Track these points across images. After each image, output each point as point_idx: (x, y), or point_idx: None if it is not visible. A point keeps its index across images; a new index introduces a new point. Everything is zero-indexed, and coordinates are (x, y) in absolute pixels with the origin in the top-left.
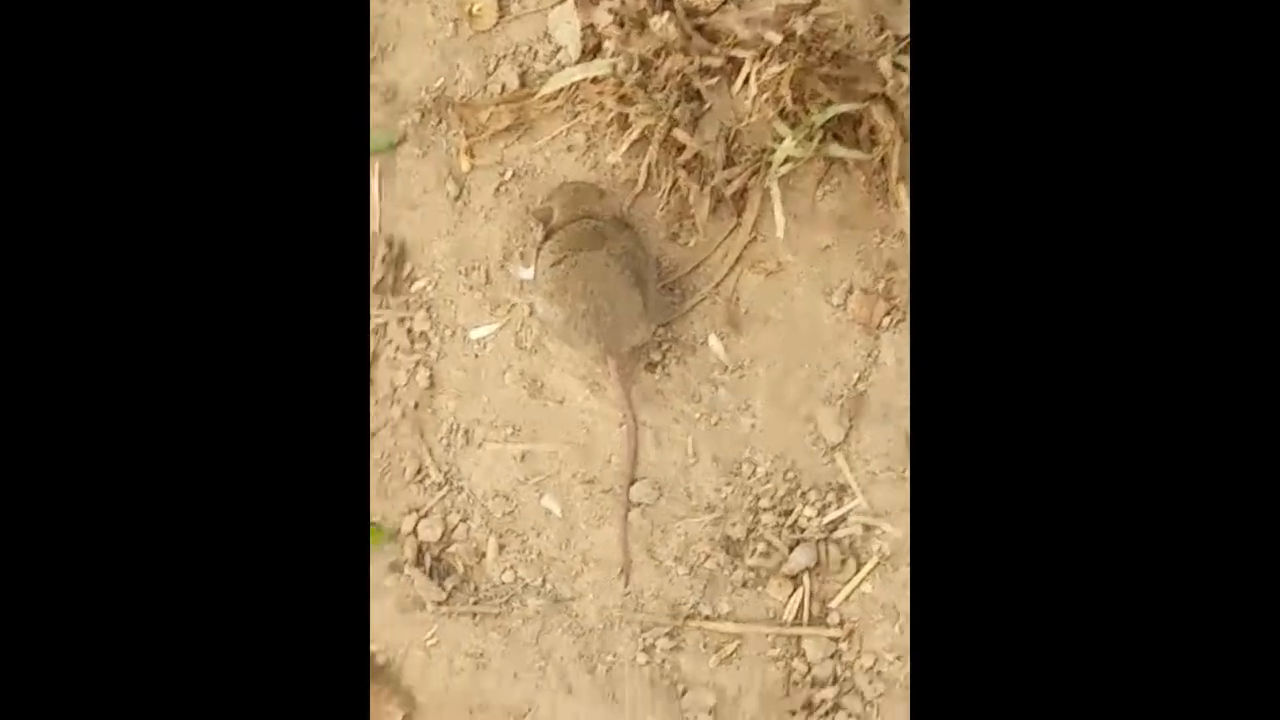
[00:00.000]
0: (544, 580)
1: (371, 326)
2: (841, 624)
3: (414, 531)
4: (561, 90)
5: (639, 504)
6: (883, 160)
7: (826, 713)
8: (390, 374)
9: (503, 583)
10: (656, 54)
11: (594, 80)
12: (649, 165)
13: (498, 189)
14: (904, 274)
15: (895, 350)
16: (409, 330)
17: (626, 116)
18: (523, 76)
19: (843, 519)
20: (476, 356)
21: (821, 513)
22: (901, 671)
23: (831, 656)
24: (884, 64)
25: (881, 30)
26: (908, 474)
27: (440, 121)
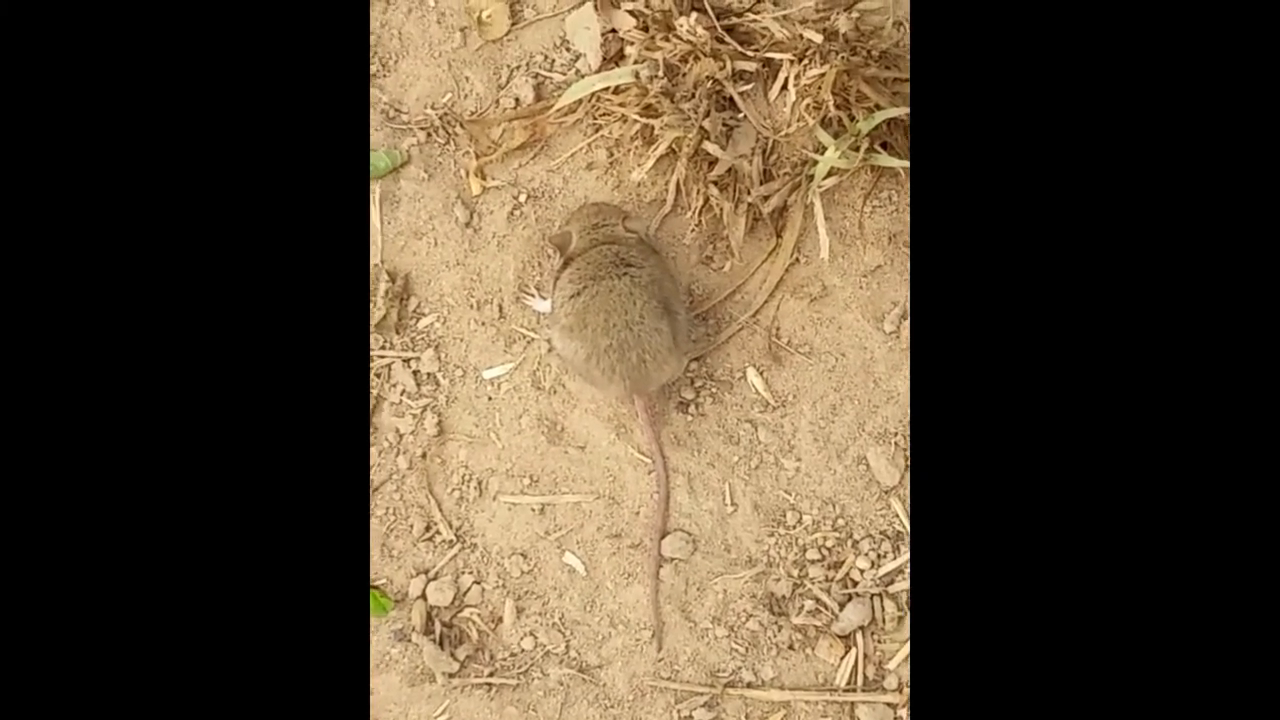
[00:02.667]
0: (567, 647)
1: (374, 369)
2: (900, 688)
3: (423, 595)
4: (580, 102)
5: (672, 559)
6: None
7: None
8: (395, 421)
9: (521, 650)
10: (684, 59)
11: (616, 90)
12: (677, 182)
13: (511, 213)
14: None
15: None
16: (415, 372)
17: (652, 129)
18: (538, 88)
19: (899, 571)
20: (490, 399)
21: (875, 564)
22: None
23: None
24: None
25: None
26: None
27: (448, 140)
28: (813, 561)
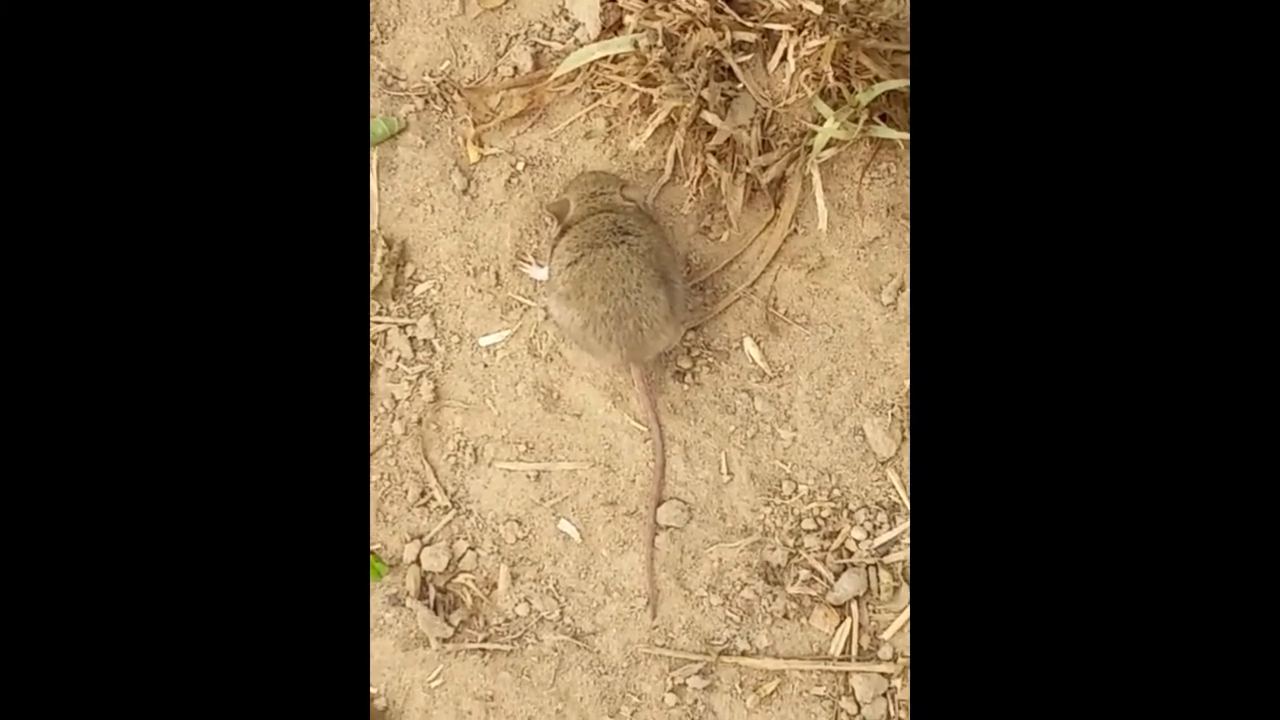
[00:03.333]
0: (561, 613)
1: (370, 334)
2: (895, 658)
3: (417, 560)
4: (579, 71)
5: (667, 527)
6: None
7: None
8: (391, 387)
9: (515, 616)
10: (683, 29)
11: (614, 59)
12: (676, 152)
13: (509, 181)
14: None
15: None
16: (411, 338)
17: (650, 98)
18: (536, 57)
19: (895, 541)
20: (486, 366)
21: (871, 535)
22: None
23: (884, 695)
24: None
25: None
26: None
27: (445, 108)
28: (808, 531)
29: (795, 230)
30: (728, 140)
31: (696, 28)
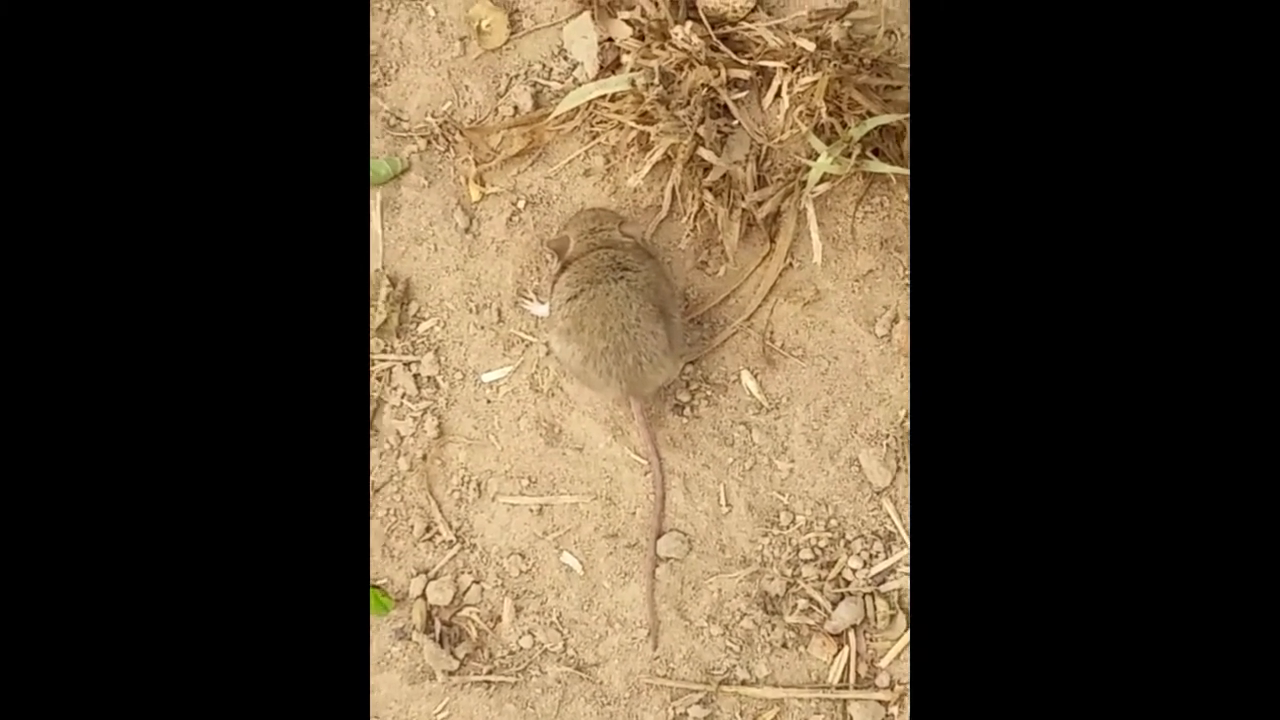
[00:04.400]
0: (565, 645)
1: (375, 372)
2: (892, 686)
3: (423, 595)
4: (578, 110)
5: (667, 559)
6: None
7: None
8: (396, 423)
9: (520, 649)
10: (679, 67)
11: (612, 98)
12: (673, 188)
13: (510, 219)
14: None
15: None
16: (415, 375)
17: (648, 136)
18: (536, 97)
19: (891, 570)
20: (489, 402)
21: (868, 564)
22: None
23: None
24: None
25: None
26: None
27: (448, 148)
28: (806, 561)
29: (790, 264)
30: (724, 176)
31: (692, 66)
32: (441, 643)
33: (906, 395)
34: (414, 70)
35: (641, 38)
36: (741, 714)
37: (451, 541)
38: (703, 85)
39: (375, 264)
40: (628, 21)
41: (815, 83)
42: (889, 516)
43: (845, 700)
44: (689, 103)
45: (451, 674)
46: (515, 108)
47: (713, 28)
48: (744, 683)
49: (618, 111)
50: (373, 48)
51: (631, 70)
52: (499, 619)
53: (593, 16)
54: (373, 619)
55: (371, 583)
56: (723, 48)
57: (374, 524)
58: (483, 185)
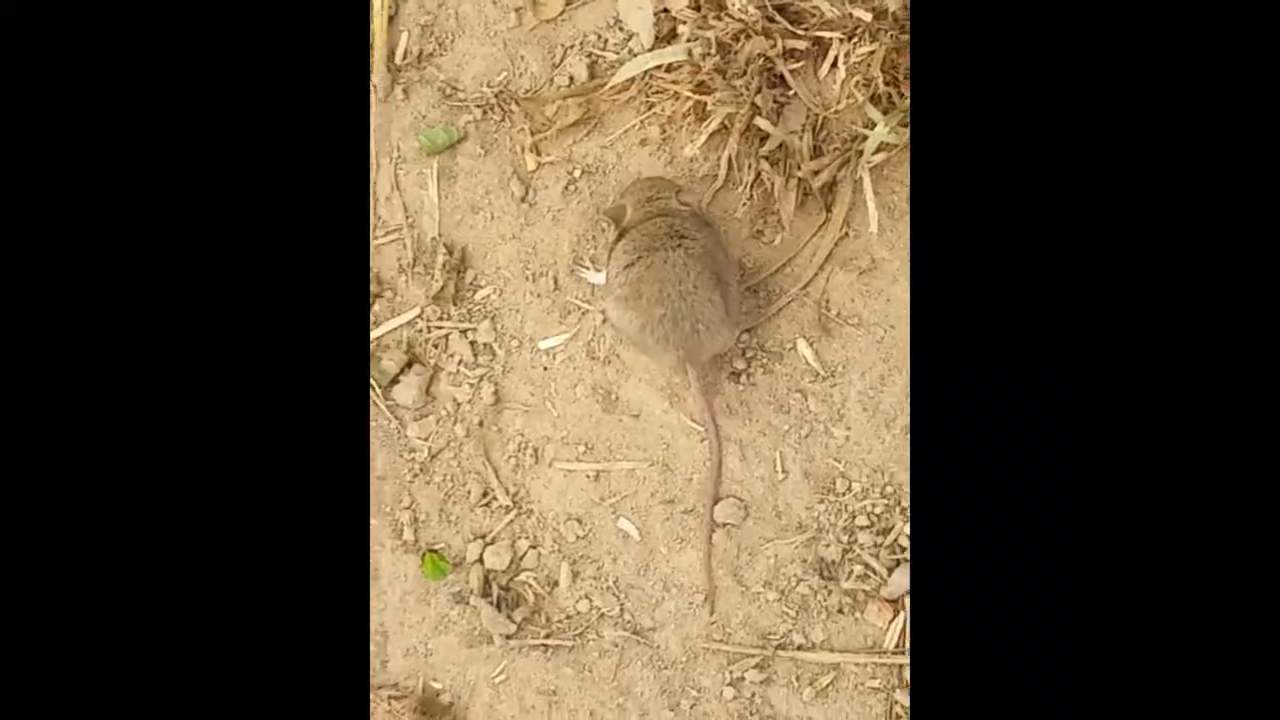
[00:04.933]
0: (621, 609)
1: (432, 339)
2: None
3: (480, 559)
4: (633, 80)
5: (724, 525)
6: None
7: None
8: (453, 390)
9: (577, 613)
10: (736, 37)
11: (668, 68)
12: (729, 158)
13: (566, 188)
14: None
15: None
16: (472, 342)
17: (704, 106)
18: (592, 67)
19: None
20: (545, 369)
21: None
22: None
23: None
24: None
25: None
26: None
27: (503, 118)
28: (861, 528)
29: (846, 233)
30: (780, 146)
31: (749, 36)
32: (499, 607)
33: None
34: (469, 40)
35: (697, 8)
36: (798, 678)
37: (508, 507)
38: (759, 55)
39: (432, 232)
40: None
41: (872, 53)
42: None
43: (901, 665)
44: (745, 73)
45: (509, 638)
46: (571, 78)
47: None
48: (800, 647)
49: (674, 82)
50: (428, 18)
51: (688, 40)
52: (556, 583)
53: None
54: (430, 583)
55: (429, 547)
56: (779, 18)
57: (431, 489)
58: (538, 154)
